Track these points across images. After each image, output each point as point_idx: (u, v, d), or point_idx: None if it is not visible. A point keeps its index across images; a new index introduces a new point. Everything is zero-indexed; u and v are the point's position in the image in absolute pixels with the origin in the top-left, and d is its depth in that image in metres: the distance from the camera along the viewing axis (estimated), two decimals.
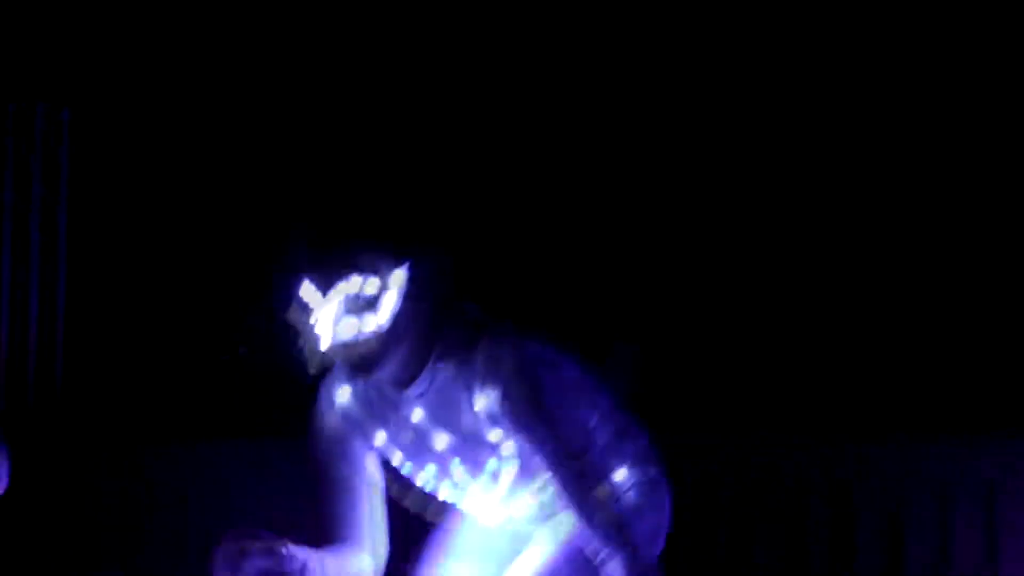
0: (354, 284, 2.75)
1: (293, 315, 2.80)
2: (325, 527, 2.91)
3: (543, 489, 2.87)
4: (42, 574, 6.02)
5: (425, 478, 2.92)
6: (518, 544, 2.96)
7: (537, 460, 2.81)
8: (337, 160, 6.50)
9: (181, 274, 6.80)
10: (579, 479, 2.74)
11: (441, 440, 2.83)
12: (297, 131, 6.62)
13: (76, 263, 6.96)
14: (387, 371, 2.79)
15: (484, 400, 2.75)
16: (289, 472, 6.00)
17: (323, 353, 2.78)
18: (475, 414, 2.78)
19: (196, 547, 6.12)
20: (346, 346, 2.75)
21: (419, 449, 2.87)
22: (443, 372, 2.81)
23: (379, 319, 2.74)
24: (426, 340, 2.79)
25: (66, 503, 6.35)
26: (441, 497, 2.95)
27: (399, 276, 2.76)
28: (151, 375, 6.74)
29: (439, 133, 6.31)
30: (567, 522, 2.86)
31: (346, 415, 2.91)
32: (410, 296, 2.76)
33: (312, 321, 2.77)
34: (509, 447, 2.80)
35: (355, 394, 2.91)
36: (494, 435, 2.79)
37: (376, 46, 6.51)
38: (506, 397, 2.72)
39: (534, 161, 6.22)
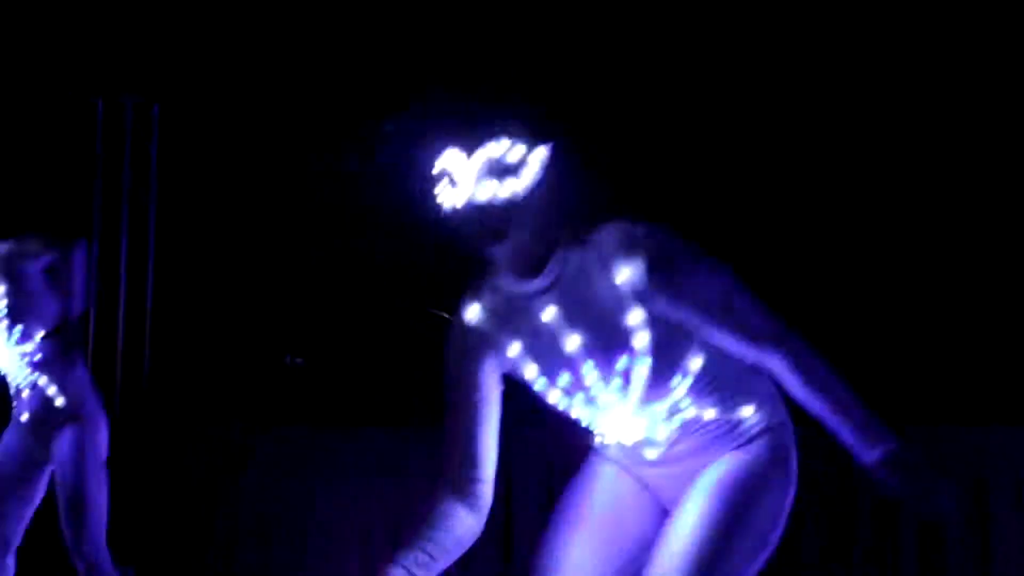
0: (500, 147, 2.79)
1: (432, 178, 2.81)
2: (453, 456, 2.91)
3: (679, 403, 2.86)
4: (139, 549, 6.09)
5: (558, 395, 2.90)
6: (644, 514, 2.96)
7: (673, 358, 2.81)
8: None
9: (267, 267, 6.86)
10: (752, 328, 2.76)
11: (573, 341, 2.81)
12: (391, 122, 6.64)
13: (164, 256, 7.04)
14: (513, 248, 2.78)
15: (628, 271, 2.74)
16: (375, 458, 6.06)
17: (455, 214, 2.79)
18: (614, 293, 2.76)
19: (286, 535, 6.19)
20: (480, 208, 2.76)
21: (552, 356, 2.85)
22: (574, 258, 2.81)
23: (518, 186, 2.76)
24: (556, 223, 2.81)
25: (152, 489, 6.43)
26: (575, 415, 2.92)
27: (543, 151, 2.79)
28: (235, 365, 6.81)
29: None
30: (707, 452, 2.86)
31: (478, 331, 2.90)
32: (550, 174, 2.79)
33: (451, 180, 2.78)
34: (643, 338, 2.77)
35: (484, 308, 2.90)
36: (633, 317, 2.77)
37: None
38: (656, 256, 2.73)
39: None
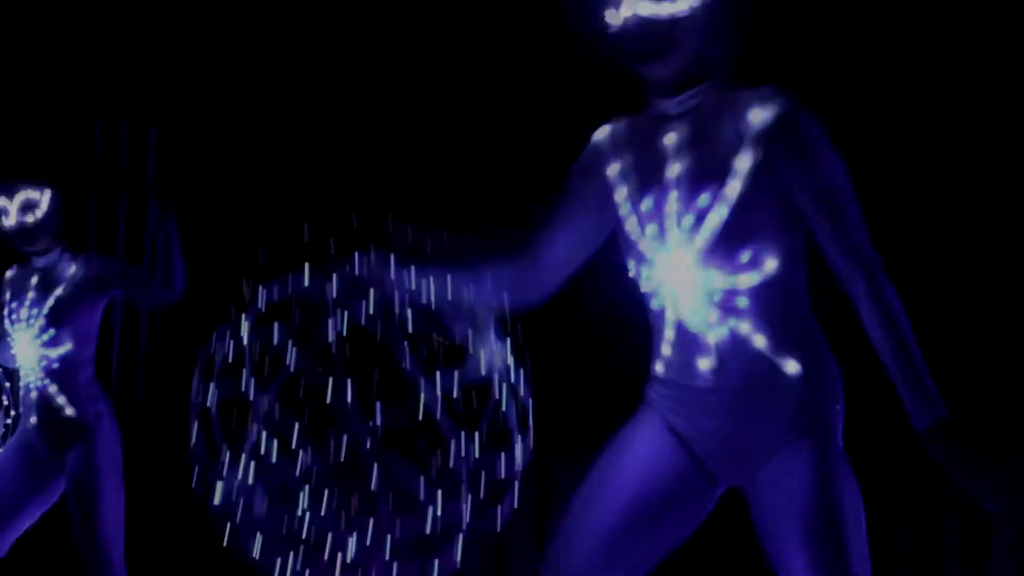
0: None
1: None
2: (533, 238, 3.13)
3: (737, 298, 2.89)
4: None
5: (635, 223, 2.99)
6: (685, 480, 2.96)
7: (750, 229, 2.86)
8: None
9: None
10: (853, 235, 2.82)
11: (675, 168, 2.93)
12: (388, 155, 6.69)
13: None
14: (672, 69, 2.92)
15: (761, 114, 2.85)
16: None
17: (614, 31, 2.92)
18: (737, 134, 2.86)
19: None
20: (641, 22, 2.90)
21: (646, 180, 2.97)
22: (717, 93, 2.93)
23: (679, 6, 2.90)
24: (708, 58, 2.93)
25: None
26: (642, 248, 2.98)
27: None
28: None
29: None
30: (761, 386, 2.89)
31: (597, 148, 3.08)
32: (711, 10, 2.92)
33: (615, 3, 2.92)
34: (736, 187, 2.86)
35: (612, 131, 3.08)
36: (741, 161, 2.85)
37: None
38: (793, 118, 2.83)
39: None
